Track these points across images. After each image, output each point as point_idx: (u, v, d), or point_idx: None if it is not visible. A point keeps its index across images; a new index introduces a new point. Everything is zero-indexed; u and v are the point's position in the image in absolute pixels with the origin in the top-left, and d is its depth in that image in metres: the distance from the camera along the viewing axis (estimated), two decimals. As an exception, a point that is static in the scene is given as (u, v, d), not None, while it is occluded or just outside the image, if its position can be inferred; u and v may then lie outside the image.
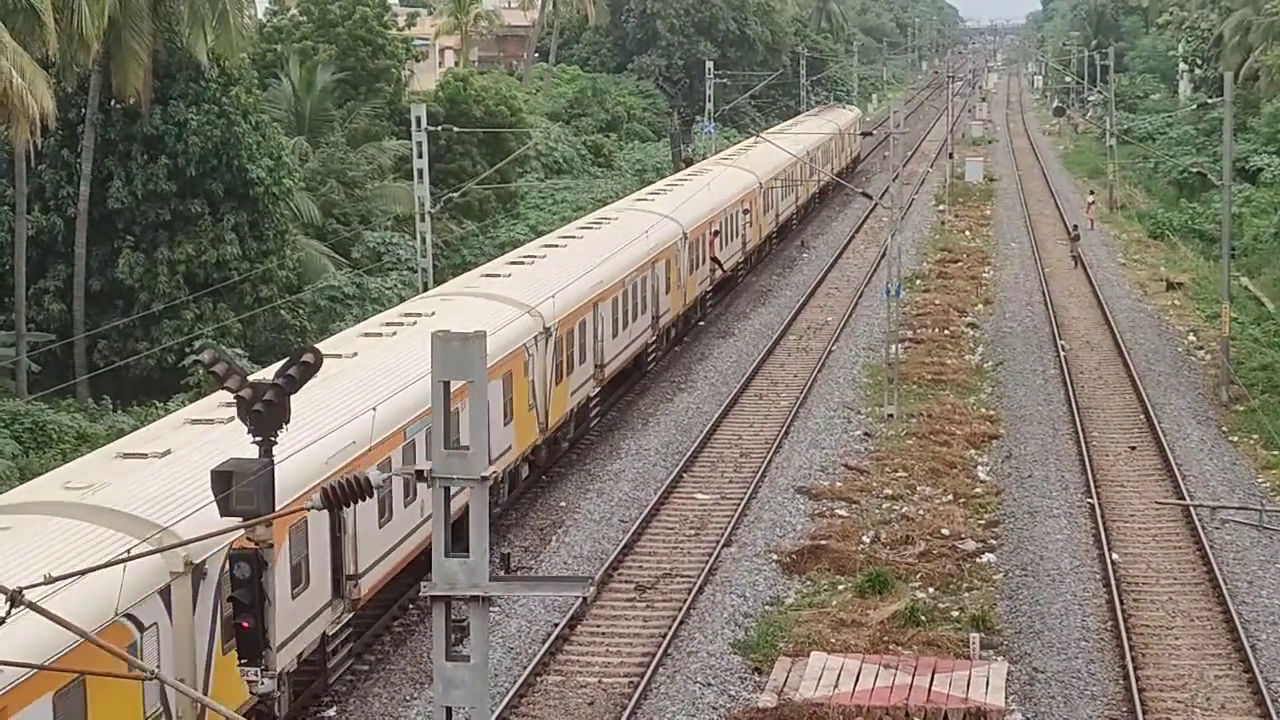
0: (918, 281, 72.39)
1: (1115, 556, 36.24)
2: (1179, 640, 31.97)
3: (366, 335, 36.71)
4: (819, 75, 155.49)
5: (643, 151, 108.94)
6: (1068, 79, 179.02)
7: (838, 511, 40.05)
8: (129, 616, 21.45)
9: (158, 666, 18.38)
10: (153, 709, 22.03)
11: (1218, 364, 52.85)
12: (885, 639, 31.60)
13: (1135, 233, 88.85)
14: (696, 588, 34.32)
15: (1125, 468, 43.80)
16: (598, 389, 46.62)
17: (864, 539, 37.77)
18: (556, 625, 32.11)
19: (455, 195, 59.05)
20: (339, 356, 32.80)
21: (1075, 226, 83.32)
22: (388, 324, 38.02)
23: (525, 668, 30.11)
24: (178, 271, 50.61)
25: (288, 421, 22.84)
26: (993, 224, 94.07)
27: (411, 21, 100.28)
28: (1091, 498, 40.61)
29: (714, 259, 62.70)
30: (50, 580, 13.37)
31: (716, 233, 63.63)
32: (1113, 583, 34.39)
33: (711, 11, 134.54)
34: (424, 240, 49.84)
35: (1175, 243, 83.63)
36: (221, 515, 22.10)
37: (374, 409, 28.96)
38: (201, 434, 27.22)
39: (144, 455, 26.11)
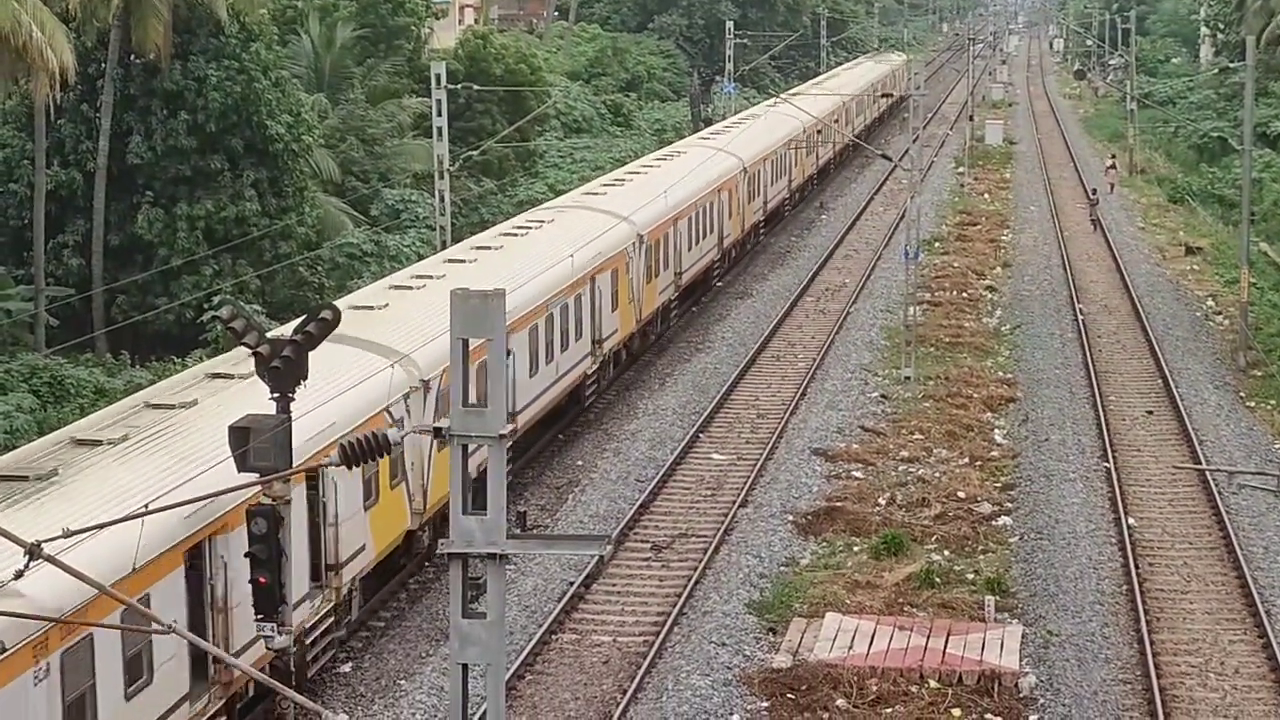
0: (936, 244, 72.22)
1: (1131, 521, 36.21)
2: (1194, 605, 31.94)
3: (632, 173, 57.90)
4: (839, 36, 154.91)
5: (662, 111, 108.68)
6: (1089, 42, 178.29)
7: (854, 473, 40.04)
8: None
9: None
10: None
11: (1236, 329, 52.70)
12: (900, 601, 31.61)
13: (1155, 197, 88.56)
14: (712, 548, 34.35)
15: (1142, 432, 43.72)
16: (764, 219, 71.35)
17: (880, 501, 37.76)
18: (572, 584, 32.15)
19: (474, 153, 59.02)
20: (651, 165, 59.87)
21: (1094, 190, 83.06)
22: (650, 162, 61.35)
23: (541, 625, 30.17)
24: (197, 227, 50.62)
25: (305, 378, 22.87)
26: (1012, 187, 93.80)
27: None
28: (1108, 462, 40.56)
29: None
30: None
31: (819, 131, 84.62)
32: (1128, 547, 34.36)
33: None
34: (443, 198, 49.79)
35: (1195, 207, 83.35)
36: (239, 471, 22.16)
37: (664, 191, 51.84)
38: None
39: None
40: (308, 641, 26.56)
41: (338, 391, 27.92)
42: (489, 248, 41.71)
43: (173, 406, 25.80)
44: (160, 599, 21.56)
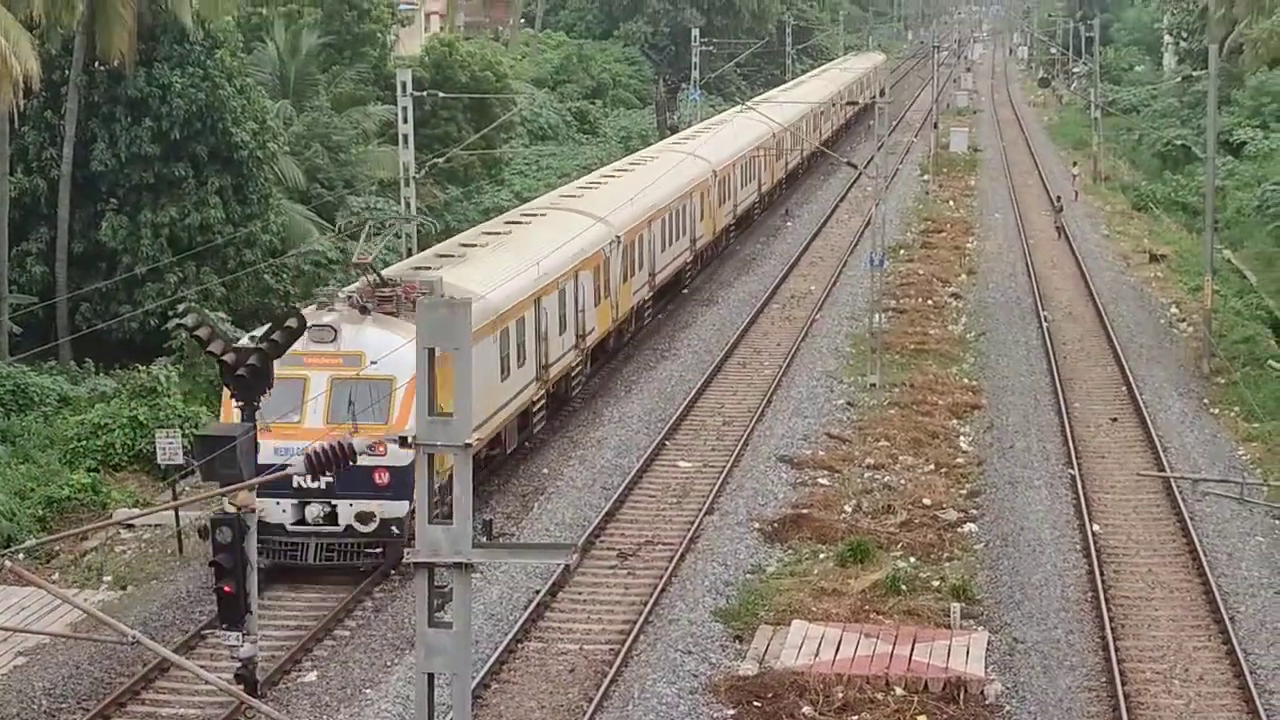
0: (901, 251, 72.37)
1: (1096, 527, 36.32)
2: (1159, 611, 32.05)
3: (699, 131, 76.45)
4: (805, 44, 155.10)
5: (628, 118, 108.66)
6: (1053, 50, 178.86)
7: (820, 480, 40.08)
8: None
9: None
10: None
11: (1200, 336, 52.91)
12: (866, 608, 31.66)
13: (1119, 204, 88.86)
14: (678, 555, 34.35)
15: (1106, 439, 43.86)
16: (786, 176, 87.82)
17: (846, 508, 37.81)
18: (538, 592, 32.13)
19: (440, 160, 58.93)
20: (713, 126, 78.68)
21: (1059, 198, 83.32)
22: (710, 125, 79.67)
23: (507, 634, 30.13)
24: (161, 234, 50.37)
25: (270, 387, 22.82)
26: (977, 194, 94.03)
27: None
28: (1073, 469, 40.67)
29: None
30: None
31: (823, 112, 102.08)
32: (1093, 553, 34.46)
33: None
34: (408, 205, 49.72)
35: (1159, 215, 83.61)
36: (204, 480, 22.09)
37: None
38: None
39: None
40: (571, 379, 45.21)
41: (577, 234, 46.33)
42: (626, 170, 60.88)
43: (500, 233, 45.72)
44: (523, 321, 39.91)
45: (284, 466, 27.10)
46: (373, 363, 32.32)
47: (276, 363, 28.97)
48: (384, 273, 37.40)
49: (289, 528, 32.30)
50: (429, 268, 39.25)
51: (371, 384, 32.34)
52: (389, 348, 32.42)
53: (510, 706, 27.70)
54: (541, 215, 49.00)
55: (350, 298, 34.85)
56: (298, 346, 30.35)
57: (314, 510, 32.34)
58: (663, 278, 56.55)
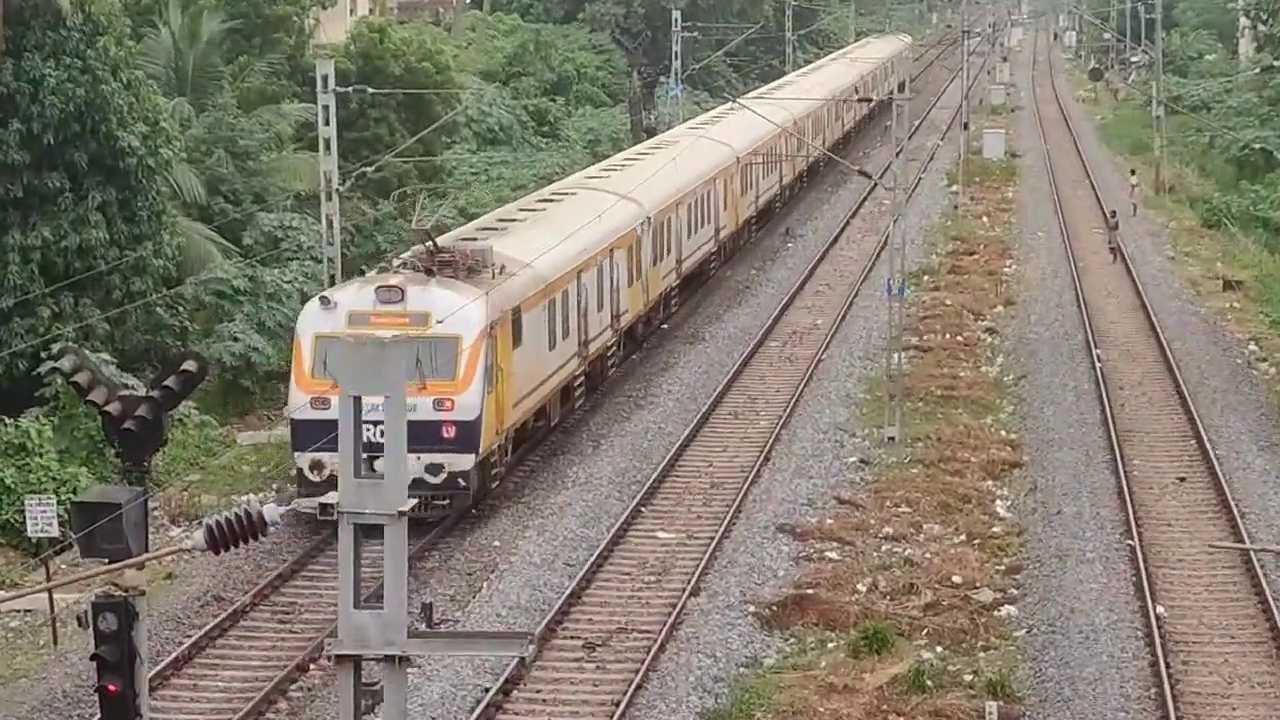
0: (925, 277, 72.58)
1: (1160, 610, 36.36)
2: (1236, 711, 32.10)
3: (716, 117, 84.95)
4: (807, 28, 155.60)
5: (595, 118, 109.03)
6: (1106, 36, 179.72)
7: (828, 554, 40.15)
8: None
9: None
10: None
11: (1284, 379, 53.12)
12: (884, 708, 31.70)
13: (1186, 220, 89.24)
14: (657, 646, 34.35)
15: (1173, 503, 43.96)
16: (806, 170, 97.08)
17: (859, 587, 37.86)
18: (488, 690, 32.09)
19: (369, 169, 58.98)
20: (729, 112, 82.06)
21: (1114, 213, 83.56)
22: (725, 110, 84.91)
23: (450, 741, 30.12)
24: (31, 260, 50.35)
25: (165, 444, 22.86)
26: (1015, 209, 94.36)
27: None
28: (1132, 539, 40.73)
29: None
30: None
31: (859, 88, 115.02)
32: (1157, 641, 34.49)
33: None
34: (330, 223, 49.76)
35: (1234, 233, 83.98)
36: (84, 556, 22.08)
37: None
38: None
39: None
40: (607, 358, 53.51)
41: (609, 210, 53.23)
42: (649, 153, 69.14)
43: (536, 210, 53.87)
44: (567, 295, 47.66)
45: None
46: (439, 322, 39.77)
47: (346, 325, 39.27)
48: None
49: None
50: (475, 239, 46.88)
51: (438, 342, 39.49)
52: (454, 307, 39.98)
53: (454, 829, 27.67)
54: (572, 194, 57.34)
55: (408, 262, 42.55)
56: (365, 307, 39.94)
57: None
58: (689, 266, 65.12)
